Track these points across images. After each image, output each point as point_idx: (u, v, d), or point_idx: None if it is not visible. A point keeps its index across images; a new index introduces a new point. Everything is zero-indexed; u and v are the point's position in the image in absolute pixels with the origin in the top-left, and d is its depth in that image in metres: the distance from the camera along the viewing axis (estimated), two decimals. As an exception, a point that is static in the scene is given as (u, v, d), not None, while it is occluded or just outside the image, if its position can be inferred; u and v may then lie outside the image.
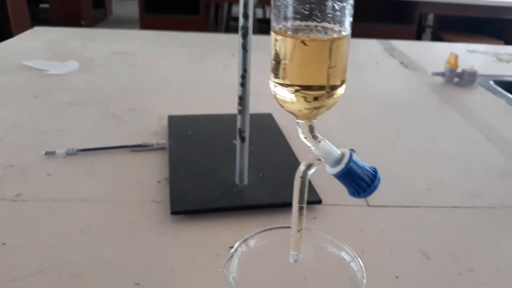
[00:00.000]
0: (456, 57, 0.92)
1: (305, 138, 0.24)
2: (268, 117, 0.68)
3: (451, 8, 2.54)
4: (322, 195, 0.49)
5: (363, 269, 0.26)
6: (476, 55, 1.20)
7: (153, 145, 0.59)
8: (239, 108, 0.46)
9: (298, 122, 0.24)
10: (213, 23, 3.01)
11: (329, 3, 0.20)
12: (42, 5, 4.83)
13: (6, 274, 0.37)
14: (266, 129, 0.64)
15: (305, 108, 0.23)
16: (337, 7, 0.21)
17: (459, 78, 0.93)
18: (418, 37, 3.03)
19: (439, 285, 0.39)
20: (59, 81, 0.83)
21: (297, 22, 0.21)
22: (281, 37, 0.22)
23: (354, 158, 0.24)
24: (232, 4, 3.00)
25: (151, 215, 0.46)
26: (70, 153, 0.57)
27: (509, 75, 1.04)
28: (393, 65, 1.05)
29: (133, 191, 0.50)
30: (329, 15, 0.21)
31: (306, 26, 0.21)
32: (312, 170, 0.25)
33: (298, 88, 0.22)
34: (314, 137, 0.24)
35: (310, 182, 0.51)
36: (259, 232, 0.29)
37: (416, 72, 1.01)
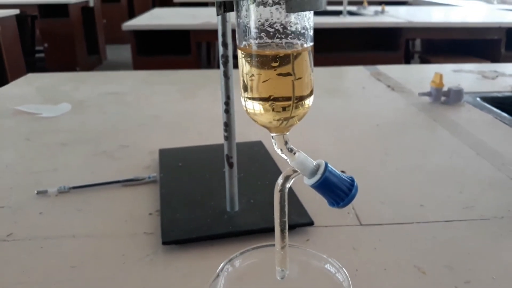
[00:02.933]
0: (441, 76, 0.93)
1: (280, 150, 0.25)
2: (258, 144, 0.69)
3: (435, 32, 2.60)
4: (314, 217, 0.49)
5: (349, 279, 0.26)
6: (462, 74, 1.22)
7: (144, 179, 0.59)
8: (225, 134, 0.46)
9: (272, 135, 0.25)
10: (206, 62, 3.06)
11: (292, 19, 0.21)
12: (38, 55, 4.93)
13: (-4, 314, 0.37)
14: (257, 156, 0.64)
15: (275, 119, 0.23)
16: (299, 21, 0.22)
17: (446, 97, 0.95)
18: (407, 62, 3.09)
19: (435, 298, 0.39)
20: (51, 123, 0.84)
21: (262, 40, 0.22)
22: (246, 52, 0.23)
23: (329, 168, 0.24)
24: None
25: (142, 247, 0.46)
26: (62, 191, 0.57)
27: (495, 91, 1.06)
28: (380, 88, 1.07)
29: (125, 224, 0.50)
30: (291, 31, 0.22)
31: (270, 42, 0.22)
32: (290, 183, 0.26)
33: (265, 100, 0.23)
34: (289, 149, 0.25)
35: (301, 205, 0.51)
36: (243, 252, 0.28)
37: (403, 94, 1.02)
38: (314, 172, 0.24)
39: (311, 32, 0.23)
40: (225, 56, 0.43)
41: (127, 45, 6.55)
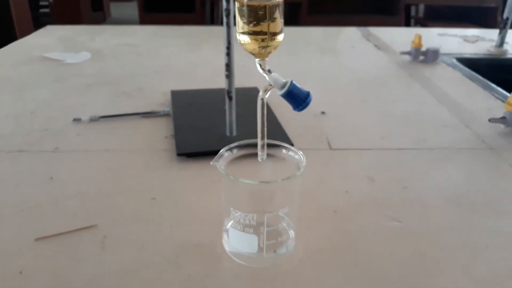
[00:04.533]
0: (420, 37, 1.05)
1: (262, 70, 0.37)
2: (254, 90, 0.81)
3: (434, -2, 2.67)
4: (295, 143, 0.63)
5: (303, 157, 0.39)
6: (446, 37, 1.33)
7: (159, 112, 0.72)
8: (226, 73, 0.59)
9: (256, 60, 0.37)
10: (209, 20, 3.14)
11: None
12: (42, 10, 4.97)
13: (58, 193, 0.51)
14: (252, 97, 0.77)
15: (257, 47, 0.36)
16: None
17: (424, 56, 1.06)
18: (407, 26, 3.16)
19: (379, 197, 0.53)
20: (75, 69, 0.96)
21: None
22: (240, 4, 0.35)
23: (294, 83, 0.37)
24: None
25: (162, 158, 0.59)
26: (93, 120, 0.70)
27: (472, 53, 1.17)
28: (367, 48, 1.19)
29: (146, 143, 0.63)
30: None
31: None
32: (267, 94, 0.39)
33: (251, 34, 0.35)
34: (268, 70, 0.37)
35: (285, 133, 0.65)
36: (238, 145, 0.42)
37: (387, 53, 1.14)
38: (283, 86, 0.37)
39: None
40: (228, 10, 0.55)
41: (131, 2, 6.51)
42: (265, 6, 0.35)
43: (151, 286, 0.39)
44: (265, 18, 0.35)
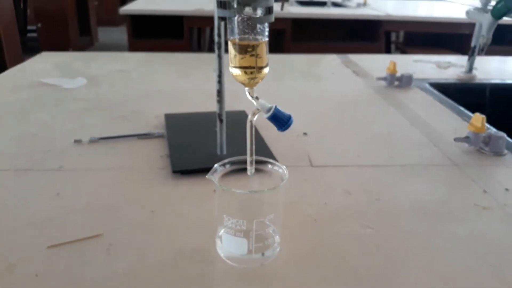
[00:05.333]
0: (395, 64, 1.13)
1: (250, 97, 0.44)
2: (242, 113, 0.88)
3: (411, 25, 2.81)
4: (280, 160, 0.69)
5: (286, 171, 0.46)
6: (420, 63, 1.42)
7: (154, 134, 0.78)
8: (218, 98, 0.66)
9: (246, 89, 0.44)
10: (197, 46, 3.23)
11: (257, 26, 0.41)
12: (30, 35, 5.02)
13: (66, 207, 0.56)
14: (240, 120, 0.83)
15: (247, 78, 0.43)
16: (261, 27, 0.41)
17: (399, 82, 1.15)
18: (387, 52, 3.30)
19: (355, 208, 0.59)
20: (72, 93, 1.02)
21: (241, 35, 0.41)
22: (232, 43, 0.42)
23: (277, 108, 0.44)
24: (213, 29, 3.23)
25: (158, 175, 0.65)
26: (93, 141, 0.76)
27: (443, 78, 1.26)
28: (346, 74, 1.27)
29: (143, 162, 0.69)
30: (257, 32, 0.41)
31: (245, 37, 0.41)
32: (255, 117, 0.45)
33: (241, 68, 0.42)
34: (255, 97, 0.44)
35: (271, 152, 0.71)
36: (230, 161, 0.48)
37: (365, 78, 1.22)
38: (269, 110, 0.43)
39: (266, 32, 0.42)
40: (219, 43, 0.62)
41: (118, 27, 6.60)
42: (253, 45, 0.42)
43: (153, 285, 0.44)
44: (253, 55, 0.42)
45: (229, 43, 0.42)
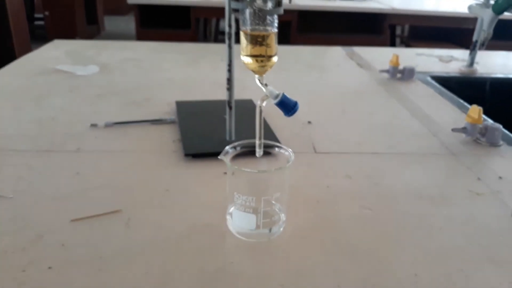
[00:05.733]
0: (397, 57, 1.17)
1: (260, 83, 0.48)
2: (250, 102, 0.92)
3: (415, 19, 2.83)
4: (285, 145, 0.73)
5: (292, 154, 0.50)
6: (423, 57, 1.45)
7: (166, 120, 0.82)
8: (227, 86, 0.69)
9: (256, 76, 0.48)
10: (203, 36, 3.26)
11: (267, 18, 0.45)
12: (37, 22, 5.05)
13: (86, 185, 0.60)
14: (248, 108, 0.88)
15: (257, 66, 0.47)
16: (270, 19, 0.45)
17: (401, 74, 1.18)
18: (392, 45, 3.32)
19: (355, 191, 0.63)
20: (85, 80, 1.06)
21: (252, 26, 0.45)
22: (244, 33, 0.46)
23: (284, 94, 0.48)
24: (220, 19, 3.27)
25: (171, 158, 0.69)
26: (108, 125, 0.80)
27: (445, 72, 1.29)
28: (351, 66, 1.30)
29: (157, 146, 0.73)
30: (267, 23, 0.45)
31: (257, 28, 0.45)
32: (265, 103, 0.49)
33: (252, 56, 0.46)
34: (265, 83, 0.48)
35: (277, 139, 0.75)
36: (240, 143, 0.52)
37: (368, 71, 1.26)
38: (277, 96, 0.47)
39: (276, 24, 0.46)
40: (229, 33, 0.65)
41: (124, 17, 6.61)
42: (263, 35, 0.45)
43: (168, 255, 0.48)
44: (263, 44, 0.45)
45: (241, 33, 0.46)
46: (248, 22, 0.45)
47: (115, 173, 0.65)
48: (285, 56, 1.37)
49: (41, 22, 4.98)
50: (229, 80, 0.69)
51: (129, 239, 0.50)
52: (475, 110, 0.80)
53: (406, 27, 4.17)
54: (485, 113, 0.81)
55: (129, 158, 0.69)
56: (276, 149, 0.52)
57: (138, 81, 1.07)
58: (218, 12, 2.69)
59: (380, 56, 1.42)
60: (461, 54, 1.52)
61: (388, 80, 1.17)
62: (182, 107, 0.88)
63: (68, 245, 0.49)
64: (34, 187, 0.60)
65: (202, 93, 1.01)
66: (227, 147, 0.51)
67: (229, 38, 0.66)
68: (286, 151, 0.51)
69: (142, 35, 2.64)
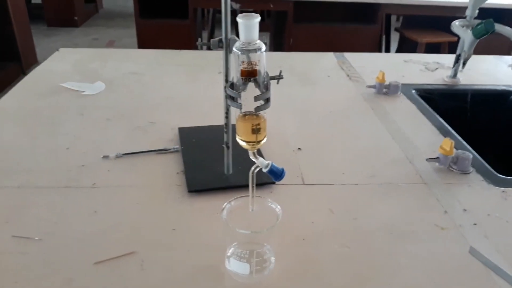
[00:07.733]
0: (383, 74, 1.25)
1: (253, 157, 0.57)
2: (245, 127, 1.01)
3: (409, 8, 2.87)
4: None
5: (280, 210, 0.60)
6: (409, 64, 1.53)
7: (170, 149, 0.92)
8: (225, 130, 0.78)
9: (249, 151, 0.57)
10: (201, 26, 3.29)
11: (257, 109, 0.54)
12: (35, 1, 5.03)
13: (103, 225, 0.70)
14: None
15: (250, 147, 0.56)
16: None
17: (387, 89, 1.26)
18: (387, 35, 3.37)
19: (336, 228, 0.73)
20: (93, 100, 1.14)
21: (245, 112, 0.55)
22: (241, 118, 0.55)
23: (273, 165, 0.57)
24: (216, 9, 3.30)
25: (175, 193, 0.79)
26: (118, 156, 0.89)
27: (428, 83, 1.38)
28: (340, 77, 1.38)
29: (162, 179, 0.83)
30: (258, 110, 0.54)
31: (249, 112, 0.55)
32: (257, 170, 0.58)
33: (244, 141, 0.56)
34: (256, 157, 0.57)
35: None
36: (235, 198, 0.62)
37: (357, 83, 1.34)
38: (267, 166, 0.57)
39: (266, 112, 0.55)
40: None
41: (122, -6, 6.49)
42: (258, 123, 0.55)
43: (178, 295, 0.58)
44: (255, 132, 0.55)
45: (236, 120, 0.56)
46: (242, 109, 0.54)
47: (127, 211, 0.74)
48: (279, 67, 1.44)
49: (39, 1, 4.95)
50: (226, 125, 0.78)
51: (144, 281, 0.60)
52: (447, 143, 0.89)
53: (400, 16, 4.19)
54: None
55: (138, 193, 0.79)
56: (267, 203, 0.62)
57: (140, 101, 1.15)
58: (216, 2, 2.72)
59: (370, 64, 1.49)
60: (448, 59, 1.59)
61: (374, 95, 1.25)
62: (184, 134, 0.97)
63: None
64: (58, 228, 0.70)
65: (202, 114, 1.09)
66: (225, 204, 0.61)
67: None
68: (276, 207, 0.61)
69: (141, 25, 2.69)
